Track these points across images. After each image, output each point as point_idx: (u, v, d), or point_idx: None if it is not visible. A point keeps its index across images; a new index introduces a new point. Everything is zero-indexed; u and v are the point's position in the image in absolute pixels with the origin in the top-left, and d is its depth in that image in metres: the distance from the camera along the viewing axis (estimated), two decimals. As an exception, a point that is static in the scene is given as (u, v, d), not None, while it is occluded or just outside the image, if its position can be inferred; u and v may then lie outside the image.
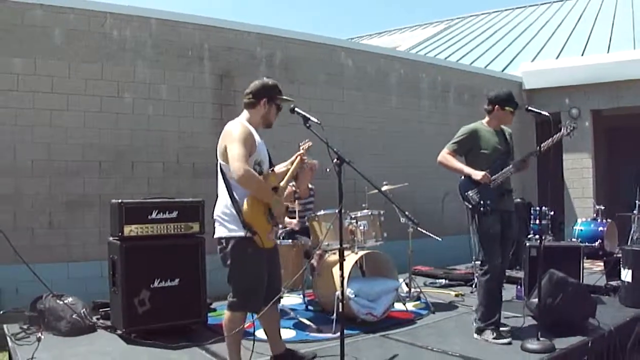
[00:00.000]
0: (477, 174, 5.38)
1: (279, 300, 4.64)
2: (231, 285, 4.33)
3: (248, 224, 4.16)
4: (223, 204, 4.33)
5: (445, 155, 5.63)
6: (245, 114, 4.51)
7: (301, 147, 4.76)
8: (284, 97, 4.56)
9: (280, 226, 4.96)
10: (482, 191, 5.39)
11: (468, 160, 5.58)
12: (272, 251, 4.46)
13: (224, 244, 4.31)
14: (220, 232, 4.34)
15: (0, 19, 7.07)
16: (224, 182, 4.31)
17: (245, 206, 4.17)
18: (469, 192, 5.43)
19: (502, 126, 5.73)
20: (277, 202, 4.34)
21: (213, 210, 4.45)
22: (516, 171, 5.55)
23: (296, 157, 4.71)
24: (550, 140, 5.45)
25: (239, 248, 4.23)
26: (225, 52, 8.85)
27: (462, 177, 5.56)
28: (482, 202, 5.36)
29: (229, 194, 4.26)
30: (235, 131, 4.25)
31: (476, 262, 8.29)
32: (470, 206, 5.44)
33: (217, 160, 4.37)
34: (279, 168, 4.72)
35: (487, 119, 5.68)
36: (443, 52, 18.59)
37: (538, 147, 5.42)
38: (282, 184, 4.53)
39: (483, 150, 5.52)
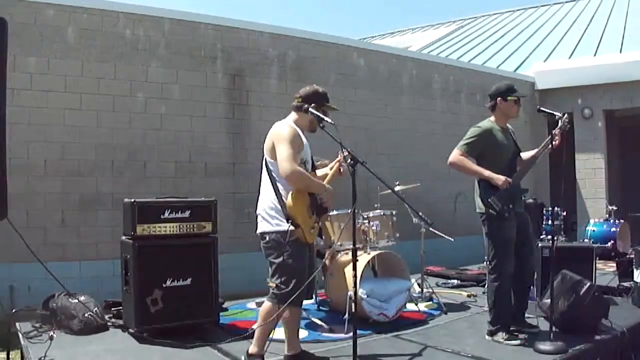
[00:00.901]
0: (498, 178, 5.23)
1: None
2: (277, 278, 4.43)
3: (292, 217, 4.31)
4: (269, 199, 4.50)
5: (458, 157, 5.43)
6: (292, 115, 4.68)
7: (340, 155, 4.94)
8: (331, 105, 4.71)
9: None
10: (503, 195, 5.25)
11: (481, 160, 5.43)
12: (311, 247, 4.64)
13: (267, 238, 4.46)
14: (263, 227, 4.51)
15: (14, 18, 7.11)
16: (270, 178, 4.50)
17: (289, 200, 4.32)
18: (492, 198, 5.25)
19: (508, 125, 5.65)
20: (325, 189, 4.58)
21: (255, 207, 4.64)
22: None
23: (335, 163, 4.97)
24: (544, 143, 5.44)
25: (285, 242, 4.35)
26: (237, 52, 8.87)
27: (480, 183, 5.41)
28: (505, 207, 5.24)
29: (274, 189, 4.44)
30: (284, 131, 4.44)
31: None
32: (494, 213, 5.27)
33: (264, 157, 4.55)
34: (319, 172, 4.95)
35: (493, 117, 5.59)
36: (455, 52, 18.55)
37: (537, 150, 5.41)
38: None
39: (497, 150, 5.41)
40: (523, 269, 5.50)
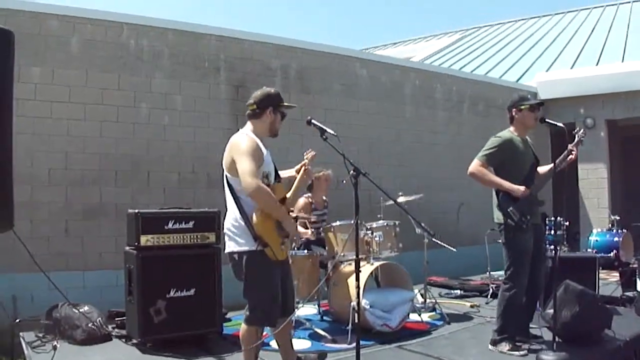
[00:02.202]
0: (518, 190, 5.25)
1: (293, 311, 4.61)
2: (247, 299, 4.29)
3: (259, 237, 4.13)
4: (232, 217, 4.30)
5: (478, 168, 5.42)
6: (249, 125, 4.46)
7: (305, 157, 4.71)
8: (288, 104, 4.58)
9: (295, 238, 4.91)
10: (521, 206, 5.27)
11: (500, 171, 5.44)
12: (284, 263, 4.44)
13: (236, 259, 4.28)
14: (230, 246, 4.30)
15: (19, 28, 7.14)
16: (232, 195, 4.29)
17: (255, 219, 4.13)
18: (511, 209, 5.26)
19: (527, 137, 5.67)
20: (289, 219, 4.30)
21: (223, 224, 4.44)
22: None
23: (301, 167, 4.69)
24: (562, 156, 5.46)
25: (252, 262, 4.18)
26: (241, 63, 8.90)
27: (500, 193, 5.41)
28: (523, 218, 5.25)
29: (237, 207, 4.23)
30: (243, 144, 4.21)
31: (492, 273, 8.35)
32: (512, 223, 5.28)
33: (224, 172, 4.36)
34: (282, 174, 4.69)
35: (512, 128, 5.62)
36: (458, 62, 18.57)
37: (555, 163, 5.41)
38: (289, 194, 4.51)
39: (516, 161, 5.43)
40: (533, 281, 5.51)
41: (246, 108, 4.48)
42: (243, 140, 4.25)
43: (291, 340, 4.74)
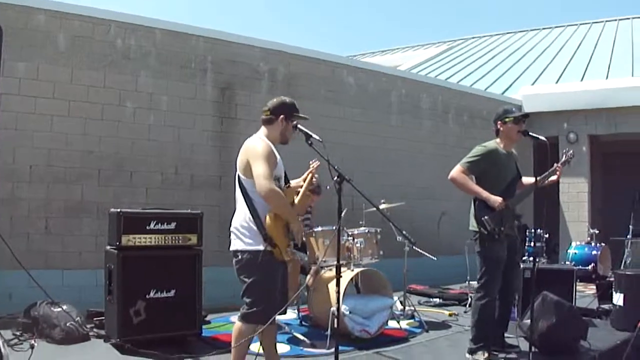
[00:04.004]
0: (495, 201, 5.31)
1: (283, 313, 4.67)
2: (248, 297, 4.35)
3: (270, 237, 4.24)
4: (242, 217, 4.39)
5: (460, 174, 5.50)
6: (263, 130, 4.59)
7: (311, 166, 4.83)
8: (301, 115, 4.64)
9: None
10: (497, 217, 5.33)
11: (481, 180, 5.51)
12: (286, 265, 4.53)
13: (240, 257, 4.36)
14: (236, 244, 4.40)
15: (4, 22, 7.08)
16: (244, 196, 4.38)
17: (268, 220, 4.25)
18: (485, 217, 5.32)
19: (513, 150, 5.73)
20: (296, 220, 4.42)
21: (230, 223, 4.50)
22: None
23: (308, 175, 4.78)
24: (546, 173, 5.53)
25: (258, 261, 4.27)
26: (228, 65, 8.89)
27: (476, 201, 5.48)
28: (496, 228, 5.31)
29: (249, 207, 4.33)
30: (259, 147, 4.35)
31: (471, 283, 8.39)
32: (486, 232, 5.35)
33: (236, 173, 4.45)
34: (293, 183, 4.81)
35: (498, 140, 5.68)
36: (444, 72, 18.68)
37: (538, 177, 5.46)
38: (296, 200, 4.62)
39: (498, 172, 5.50)
40: (506, 290, 5.56)
41: (261, 113, 4.63)
42: (259, 144, 4.39)
43: (275, 344, 4.76)
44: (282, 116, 4.52)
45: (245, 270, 4.34)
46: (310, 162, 4.85)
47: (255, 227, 4.28)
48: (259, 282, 4.29)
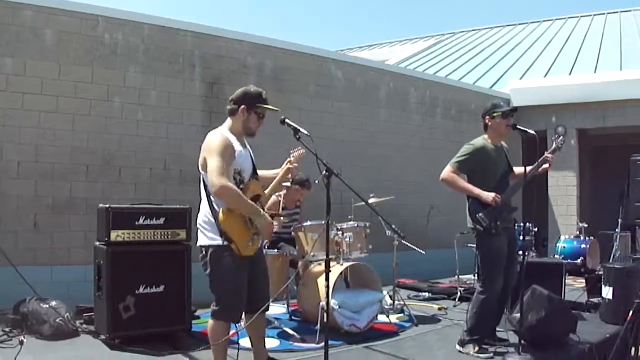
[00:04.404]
0: (488, 196, 5.32)
1: (266, 309, 4.63)
2: (213, 293, 4.34)
3: (224, 232, 4.18)
4: (203, 212, 4.36)
5: (450, 174, 5.50)
6: (227, 121, 4.51)
7: (291, 155, 4.75)
8: (265, 106, 4.51)
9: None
10: (491, 212, 5.35)
11: (472, 178, 5.53)
12: (255, 259, 4.44)
13: (204, 252, 4.34)
14: (201, 240, 4.37)
15: (-9, 18, 7.06)
16: (205, 191, 4.34)
17: (221, 215, 4.19)
18: (480, 214, 5.35)
19: (502, 142, 5.74)
20: (259, 215, 4.31)
21: (196, 219, 4.48)
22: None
23: (285, 164, 4.72)
24: (536, 164, 5.54)
25: (217, 256, 4.25)
26: (216, 60, 8.86)
27: (470, 199, 5.50)
28: (492, 223, 5.33)
29: (208, 203, 4.30)
30: (214, 142, 4.26)
31: (460, 277, 8.45)
32: (481, 228, 5.37)
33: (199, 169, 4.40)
34: (266, 173, 4.76)
35: (486, 135, 5.69)
36: (432, 66, 18.71)
37: (529, 168, 5.47)
38: (266, 191, 4.57)
39: (488, 168, 5.51)
40: (504, 286, 5.57)
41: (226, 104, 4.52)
42: (215, 138, 4.30)
43: (264, 339, 4.76)
44: (242, 106, 4.42)
45: (207, 266, 4.32)
46: (291, 151, 4.78)
47: (214, 222, 4.24)
48: (221, 277, 4.26)
